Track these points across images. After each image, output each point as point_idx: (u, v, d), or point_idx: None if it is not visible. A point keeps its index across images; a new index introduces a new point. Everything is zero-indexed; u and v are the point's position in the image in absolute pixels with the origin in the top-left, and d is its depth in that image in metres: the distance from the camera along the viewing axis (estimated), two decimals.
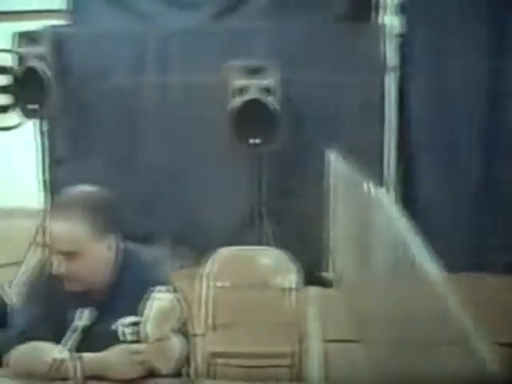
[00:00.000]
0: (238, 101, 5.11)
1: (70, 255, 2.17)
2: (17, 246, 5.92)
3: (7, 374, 2.22)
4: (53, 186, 6.10)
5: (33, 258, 6.04)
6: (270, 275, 3.34)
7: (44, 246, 5.98)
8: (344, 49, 5.35)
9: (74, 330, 2.09)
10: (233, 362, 3.29)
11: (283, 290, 3.40)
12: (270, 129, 5.10)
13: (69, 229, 2.15)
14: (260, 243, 4.87)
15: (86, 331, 2.12)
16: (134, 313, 2.25)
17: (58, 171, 6.07)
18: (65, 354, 2.04)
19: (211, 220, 5.46)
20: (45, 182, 6.20)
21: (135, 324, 2.25)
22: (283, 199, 5.45)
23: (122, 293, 2.28)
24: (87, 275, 2.22)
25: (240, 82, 5.14)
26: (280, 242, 4.67)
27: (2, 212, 7.14)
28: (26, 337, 2.25)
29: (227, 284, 3.28)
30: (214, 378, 3.22)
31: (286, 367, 3.35)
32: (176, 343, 2.19)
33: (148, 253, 2.42)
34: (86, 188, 2.27)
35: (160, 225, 5.30)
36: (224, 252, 3.37)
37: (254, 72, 5.12)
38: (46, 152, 6.17)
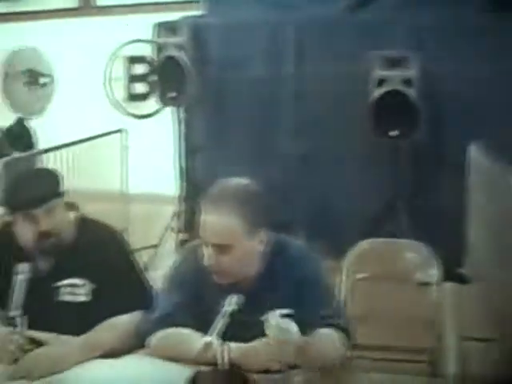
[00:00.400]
0: (378, 92, 5.04)
1: (221, 248, 2.19)
2: (153, 231, 6.08)
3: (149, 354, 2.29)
4: (188, 174, 6.22)
5: (168, 243, 6.23)
6: (411, 269, 3.26)
7: (179, 231, 6.19)
8: (490, 40, 5.15)
9: (223, 316, 2.10)
10: (368, 354, 3.25)
11: (423, 284, 3.32)
12: (410, 121, 5.01)
13: (222, 222, 2.17)
14: (395, 237, 4.79)
15: (234, 319, 2.13)
16: (282, 306, 2.25)
17: (194, 159, 6.17)
18: (214, 340, 2.05)
19: (347, 211, 5.42)
20: (181, 169, 6.33)
21: (284, 317, 2.27)
22: (420, 193, 5.34)
23: (271, 285, 2.29)
24: (237, 268, 2.23)
25: (380, 73, 5.07)
26: (416, 236, 4.57)
27: (139, 197, 7.34)
28: (169, 321, 2.31)
29: (367, 276, 3.24)
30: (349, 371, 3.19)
31: (423, 363, 3.28)
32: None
33: (298, 246, 2.40)
34: (240, 181, 2.29)
35: (295, 215, 5.30)
36: (365, 244, 3.32)
37: (394, 63, 5.04)
38: (183, 140, 6.29)
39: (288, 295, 2.28)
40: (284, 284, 2.29)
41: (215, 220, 2.18)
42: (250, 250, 2.25)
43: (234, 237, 2.20)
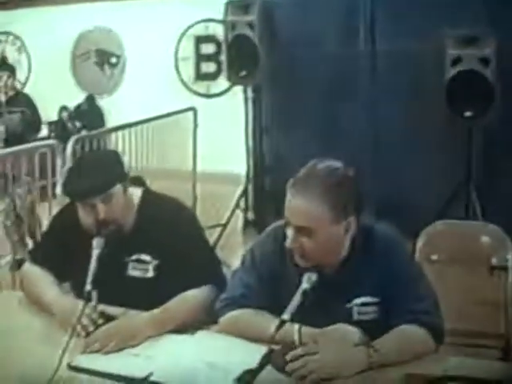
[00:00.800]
0: (452, 71, 4.92)
1: (304, 230, 2.14)
2: (221, 210, 6.10)
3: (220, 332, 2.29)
4: (257, 153, 6.20)
5: (236, 222, 6.24)
6: (486, 252, 3.19)
7: (246, 210, 6.20)
8: None
9: (300, 293, 2.08)
10: None
11: (498, 268, 3.24)
12: (485, 102, 4.87)
13: (308, 205, 2.12)
14: (467, 219, 4.70)
15: (310, 301, 2.10)
16: (366, 294, 2.24)
17: (263, 139, 6.15)
18: (289, 317, 2.03)
19: (419, 192, 5.32)
20: (249, 148, 6.32)
21: (369, 304, 2.24)
22: (493, 176, 5.21)
23: (356, 273, 2.23)
24: (319, 253, 2.17)
25: (455, 52, 4.94)
26: (488, 220, 4.47)
27: (207, 176, 7.38)
28: (242, 302, 2.29)
29: (440, 257, 3.17)
30: None
31: (494, 348, 3.21)
32: None
33: (385, 231, 2.30)
34: (332, 165, 2.18)
35: (367, 195, 5.18)
36: (439, 225, 3.25)
37: (470, 41, 4.90)
38: (252, 119, 6.27)
39: (374, 283, 2.22)
40: (370, 272, 2.22)
41: (301, 203, 2.12)
42: (334, 236, 2.17)
43: (317, 221, 2.13)
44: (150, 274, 2.56)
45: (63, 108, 8.97)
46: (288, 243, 2.17)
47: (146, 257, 2.56)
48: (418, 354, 2.10)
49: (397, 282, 2.20)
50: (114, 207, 2.48)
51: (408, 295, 2.19)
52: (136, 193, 2.64)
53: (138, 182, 2.66)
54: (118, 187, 2.51)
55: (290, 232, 2.17)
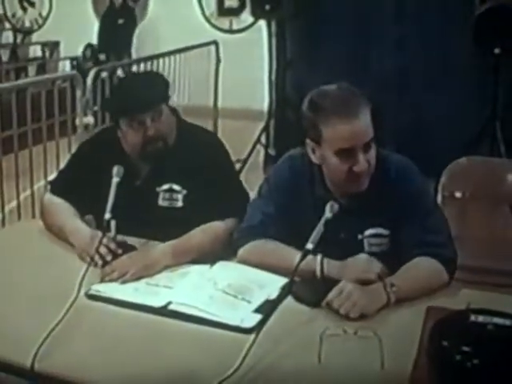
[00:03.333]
0: (482, 6, 4.79)
1: (368, 145, 2.13)
2: (242, 145, 6.07)
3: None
4: (279, 88, 6.13)
5: (257, 158, 6.22)
6: (510, 190, 3.14)
7: (267, 145, 6.16)
8: None
9: (324, 224, 2.05)
10: (460, 275, 3.17)
11: None
12: None
13: (363, 120, 2.11)
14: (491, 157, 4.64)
15: (329, 232, 2.07)
16: (379, 224, 2.23)
17: (286, 74, 6.07)
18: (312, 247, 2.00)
19: (444, 130, 5.24)
20: (271, 84, 6.24)
21: (381, 236, 2.22)
22: None
23: (369, 203, 2.20)
24: (374, 164, 2.17)
25: None
26: None
27: (229, 111, 7.34)
28: (259, 231, 2.28)
29: (464, 194, 3.13)
30: None
31: None
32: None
33: (400, 161, 2.28)
34: (339, 85, 2.18)
35: (391, 132, 5.13)
36: (464, 161, 3.20)
37: None
38: (275, 54, 6.18)
39: (387, 214, 2.21)
40: (383, 202, 2.20)
41: (358, 122, 2.09)
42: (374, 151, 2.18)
43: (372, 127, 2.14)
44: (179, 204, 2.54)
45: (88, 46, 8.94)
46: (361, 167, 2.13)
47: (176, 186, 2.54)
48: (432, 287, 2.09)
49: (410, 211, 2.19)
50: (162, 125, 2.47)
51: (423, 226, 2.18)
52: (174, 120, 2.60)
53: (172, 111, 2.62)
54: (165, 107, 2.50)
55: (360, 156, 2.12)
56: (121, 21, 8.87)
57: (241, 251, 2.29)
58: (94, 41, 9.03)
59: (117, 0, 9.02)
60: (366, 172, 2.15)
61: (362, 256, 2.13)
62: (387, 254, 2.21)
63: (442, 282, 2.13)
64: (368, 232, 2.24)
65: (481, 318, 1.68)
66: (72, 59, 9.11)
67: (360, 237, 2.24)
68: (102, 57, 8.53)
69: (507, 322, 1.66)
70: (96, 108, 4.92)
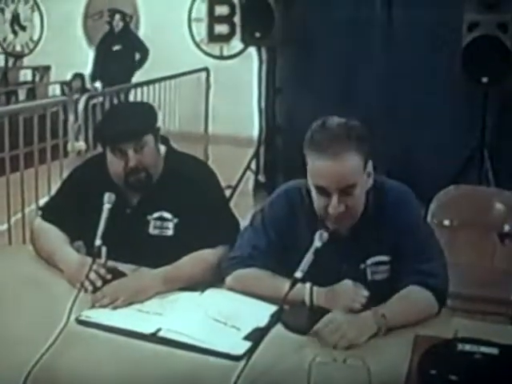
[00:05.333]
0: (470, 36, 4.85)
1: (349, 189, 2.09)
2: (232, 172, 6.08)
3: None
4: (268, 115, 6.17)
5: (247, 184, 6.23)
6: (499, 218, 3.17)
7: (257, 172, 6.18)
8: None
9: (313, 252, 2.05)
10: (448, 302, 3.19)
11: (509, 235, 3.22)
12: (502, 68, 4.81)
13: (347, 162, 2.05)
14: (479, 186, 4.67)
15: (324, 260, 2.07)
16: (379, 252, 2.23)
17: (276, 100, 6.11)
18: (301, 275, 2.01)
19: (430, 158, 5.29)
20: (260, 110, 6.28)
21: (383, 263, 2.23)
22: (507, 143, 5.16)
23: (368, 232, 2.20)
24: (358, 208, 2.15)
25: (473, 17, 4.87)
26: (500, 187, 4.43)
27: (219, 137, 7.37)
28: (248, 262, 2.28)
29: (453, 222, 3.15)
30: None
31: (502, 315, 3.20)
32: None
33: (397, 189, 2.26)
34: (333, 119, 2.12)
35: (375, 163, 5.14)
36: (452, 190, 3.23)
37: (488, 6, 4.82)
38: (264, 81, 6.22)
39: (385, 241, 2.20)
40: (381, 230, 2.19)
41: (341, 163, 2.04)
42: (364, 184, 2.14)
43: (358, 174, 2.09)
44: (170, 232, 2.55)
45: (76, 75, 8.88)
46: (332, 209, 2.09)
47: (167, 215, 2.55)
48: (423, 317, 2.08)
49: (406, 239, 2.18)
50: (145, 157, 2.47)
51: (417, 254, 2.17)
52: (161, 149, 2.62)
53: (162, 139, 2.64)
54: (150, 138, 2.51)
55: (325, 198, 2.10)
56: (117, 47, 8.70)
57: (228, 279, 2.29)
58: (84, 67, 8.97)
59: (117, 25, 8.93)
60: (342, 215, 2.12)
61: (348, 283, 2.13)
62: (387, 281, 2.22)
63: (433, 312, 2.13)
64: (370, 261, 2.22)
65: (468, 347, 1.69)
66: (62, 84, 9.13)
67: (362, 266, 2.23)
68: (98, 85, 8.38)
69: (494, 351, 1.68)
70: (88, 134, 4.95)
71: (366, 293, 2.11)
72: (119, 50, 8.72)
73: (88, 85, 8.70)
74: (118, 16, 8.92)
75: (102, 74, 8.54)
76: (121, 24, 8.91)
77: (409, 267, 2.15)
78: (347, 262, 2.21)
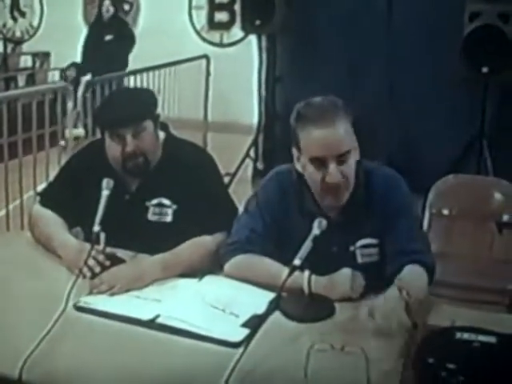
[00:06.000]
0: (471, 26, 4.84)
1: (344, 157, 2.15)
2: (231, 159, 6.07)
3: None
4: (268, 103, 6.15)
5: (246, 172, 6.23)
6: (497, 208, 3.17)
7: (256, 159, 6.18)
8: None
9: (311, 239, 2.06)
10: (444, 292, 3.19)
11: (507, 225, 3.22)
12: (503, 58, 4.79)
13: (340, 129, 2.13)
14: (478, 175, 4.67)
15: (316, 247, 2.09)
16: (370, 235, 2.25)
17: (276, 88, 6.09)
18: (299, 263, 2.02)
19: (429, 148, 5.28)
20: (260, 98, 6.26)
21: (372, 246, 2.24)
22: (507, 133, 5.15)
23: (357, 215, 2.24)
24: (352, 180, 2.19)
25: (475, 6, 4.85)
26: (498, 176, 4.43)
27: (218, 125, 7.36)
28: (245, 247, 2.29)
29: (451, 211, 3.15)
30: None
31: (499, 305, 3.20)
32: None
33: (386, 173, 2.31)
34: (323, 97, 2.21)
35: (375, 152, 5.14)
36: (451, 179, 3.23)
37: None
38: (264, 69, 6.20)
39: (376, 225, 2.24)
40: (369, 212, 2.24)
41: (331, 131, 2.12)
42: (356, 153, 2.21)
43: (351, 140, 2.18)
44: (169, 218, 2.55)
45: (72, 65, 8.66)
46: (330, 178, 2.15)
47: (166, 201, 2.55)
48: (424, 293, 2.11)
49: (397, 221, 2.21)
50: (143, 142, 2.48)
51: (408, 235, 2.21)
52: (161, 135, 2.62)
53: (162, 126, 2.63)
54: (149, 123, 2.51)
55: (331, 167, 2.14)
56: (108, 37, 8.16)
57: (226, 266, 2.30)
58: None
59: (107, 11, 8.28)
60: (340, 185, 2.17)
61: (347, 272, 2.13)
62: (377, 264, 2.24)
63: (426, 289, 2.16)
64: (359, 243, 2.26)
65: (466, 336, 1.70)
66: (62, 70, 9.10)
67: (352, 248, 2.26)
68: (88, 78, 7.31)
69: (492, 340, 1.68)
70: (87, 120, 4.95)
71: (363, 282, 2.12)
72: (111, 40, 8.16)
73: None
74: (107, 1, 8.29)
75: (92, 68, 7.72)
76: (111, 9, 8.31)
77: (401, 248, 2.18)
78: (337, 244, 2.25)
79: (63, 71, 8.90)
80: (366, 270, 2.18)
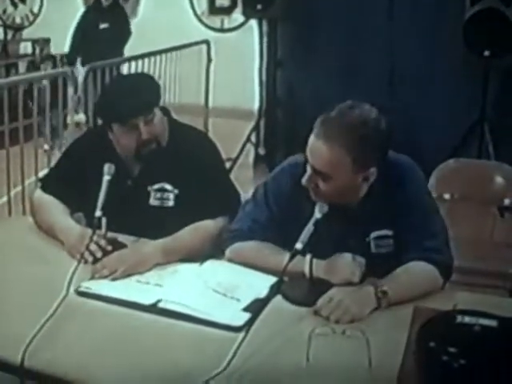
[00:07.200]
0: (472, 9, 4.81)
1: (321, 174, 2.09)
2: (232, 144, 6.07)
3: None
4: (269, 88, 6.14)
5: (247, 157, 6.23)
6: (499, 192, 3.16)
7: (257, 145, 6.17)
8: None
9: (313, 223, 2.06)
10: None
11: (509, 208, 3.22)
12: (504, 42, 4.77)
13: (330, 153, 2.05)
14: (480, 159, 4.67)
15: (328, 233, 2.09)
16: (384, 226, 2.22)
17: (277, 73, 6.07)
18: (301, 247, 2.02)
19: (430, 132, 5.27)
20: (261, 83, 6.24)
21: (387, 237, 2.22)
22: (508, 117, 5.14)
23: (373, 206, 2.19)
24: (335, 196, 2.13)
25: None
26: (500, 161, 4.42)
27: (220, 110, 7.34)
28: (248, 235, 2.29)
29: (454, 196, 3.14)
30: None
31: (500, 288, 3.20)
32: None
33: (404, 163, 2.24)
34: (366, 113, 2.08)
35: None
36: (452, 163, 3.23)
37: None
38: (265, 54, 6.18)
39: (390, 215, 2.19)
40: (386, 203, 2.18)
41: (324, 148, 2.05)
42: (351, 183, 2.12)
43: (337, 170, 2.07)
44: (171, 203, 2.54)
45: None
46: (304, 180, 2.14)
47: (168, 186, 2.54)
48: (425, 291, 2.09)
49: (411, 213, 2.17)
50: (155, 128, 2.46)
51: (421, 229, 2.16)
52: (164, 119, 2.60)
53: (163, 111, 2.62)
54: (157, 109, 2.50)
55: (308, 170, 2.13)
56: (103, 25, 7.53)
57: (228, 251, 2.30)
58: None
59: None
60: (315, 190, 2.13)
61: (347, 256, 2.13)
62: (392, 255, 2.21)
63: (437, 287, 2.14)
64: (374, 234, 2.22)
65: (467, 319, 1.70)
66: (62, 56, 9.06)
67: (367, 239, 2.23)
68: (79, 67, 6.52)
69: (493, 323, 1.68)
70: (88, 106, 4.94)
71: (364, 267, 2.12)
72: (106, 28, 7.52)
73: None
74: None
75: (84, 57, 7.05)
76: None
77: (413, 242, 2.15)
78: (353, 235, 2.21)
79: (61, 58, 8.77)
80: (381, 259, 2.17)
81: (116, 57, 6.64)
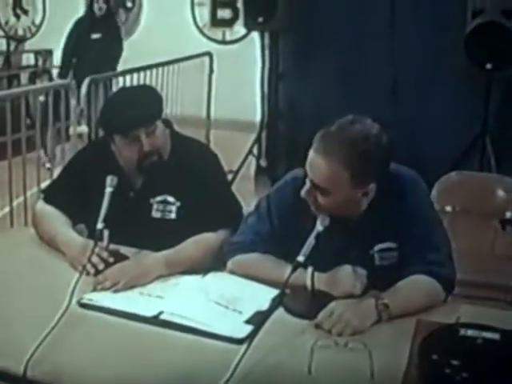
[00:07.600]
0: (474, 22, 4.83)
1: (319, 189, 2.09)
2: (234, 157, 6.07)
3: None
4: (271, 101, 6.15)
5: (249, 169, 6.23)
6: (500, 205, 3.17)
7: (258, 157, 6.17)
8: None
9: (315, 236, 2.06)
10: None
11: (510, 221, 3.22)
12: (506, 54, 4.78)
13: (328, 167, 2.05)
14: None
15: (331, 246, 2.10)
16: (387, 238, 2.21)
17: (279, 85, 6.08)
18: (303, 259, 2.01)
19: (432, 144, 5.27)
20: (263, 95, 6.26)
21: (391, 249, 2.21)
22: (510, 130, 5.15)
23: (376, 218, 2.17)
24: (334, 209, 2.12)
25: (477, 3, 4.84)
26: (503, 173, 4.43)
27: (221, 122, 7.36)
28: (249, 248, 2.29)
29: (456, 209, 3.14)
30: None
31: (501, 301, 3.20)
32: None
33: (407, 175, 2.23)
34: (367, 129, 2.06)
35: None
36: (454, 176, 3.23)
37: None
38: (267, 66, 6.20)
39: (393, 227, 2.17)
40: (389, 215, 2.17)
41: (322, 162, 2.05)
42: (350, 198, 2.11)
43: (335, 185, 2.07)
44: (173, 215, 2.54)
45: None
46: (303, 193, 2.14)
47: (170, 198, 2.54)
48: (427, 305, 2.08)
49: (413, 224, 2.16)
50: (157, 140, 2.46)
51: (424, 241, 2.15)
52: (166, 132, 2.60)
53: (166, 123, 2.62)
54: (159, 121, 2.50)
55: (307, 183, 2.13)
56: (95, 35, 7.36)
57: (229, 263, 2.30)
58: None
59: (99, 9, 7.35)
60: (314, 202, 2.13)
61: (348, 268, 2.13)
62: (395, 267, 2.20)
63: (438, 301, 2.13)
64: (378, 247, 2.21)
65: (470, 332, 1.70)
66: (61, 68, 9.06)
67: (371, 252, 2.22)
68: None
69: (496, 336, 1.68)
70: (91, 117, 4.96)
71: (365, 279, 2.12)
72: (98, 39, 7.34)
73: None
74: None
75: (76, 70, 7.12)
76: (104, 7, 7.39)
77: (415, 256, 2.14)
78: (355, 247, 2.20)
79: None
80: (385, 271, 2.17)
81: (107, 69, 6.54)
